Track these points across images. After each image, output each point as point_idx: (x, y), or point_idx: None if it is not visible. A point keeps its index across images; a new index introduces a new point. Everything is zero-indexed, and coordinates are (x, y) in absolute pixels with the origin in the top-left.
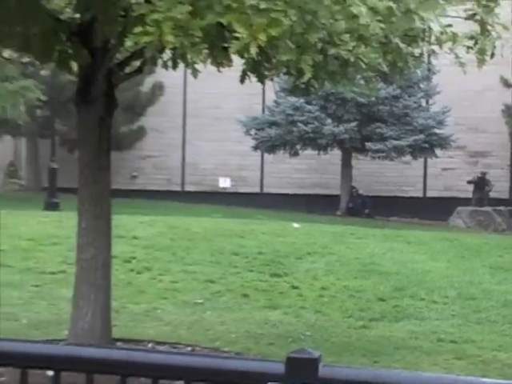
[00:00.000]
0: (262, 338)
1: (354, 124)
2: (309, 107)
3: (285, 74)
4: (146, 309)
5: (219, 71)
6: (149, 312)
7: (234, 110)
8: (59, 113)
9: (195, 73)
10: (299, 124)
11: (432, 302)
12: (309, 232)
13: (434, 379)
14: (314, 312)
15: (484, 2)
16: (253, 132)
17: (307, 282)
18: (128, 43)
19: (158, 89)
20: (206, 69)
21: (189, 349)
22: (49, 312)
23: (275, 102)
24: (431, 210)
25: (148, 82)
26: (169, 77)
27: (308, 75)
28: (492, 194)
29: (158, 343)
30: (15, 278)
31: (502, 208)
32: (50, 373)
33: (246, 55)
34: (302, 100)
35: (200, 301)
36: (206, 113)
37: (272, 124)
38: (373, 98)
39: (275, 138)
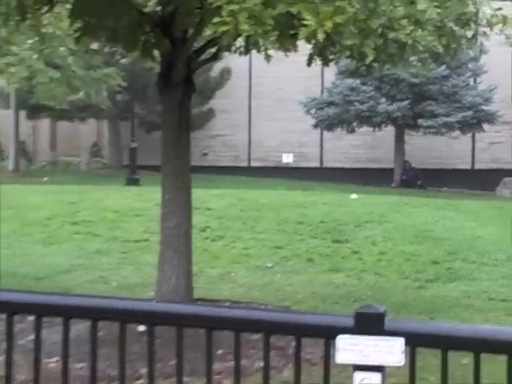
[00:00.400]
0: (327, 298)
1: (406, 102)
2: (364, 88)
3: (348, 57)
4: (221, 272)
5: (286, 56)
6: (224, 275)
7: (295, 91)
8: (138, 97)
9: (268, 58)
10: (355, 103)
11: (482, 265)
12: (366, 202)
13: (490, 331)
14: (373, 274)
15: None
16: (313, 111)
17: (366, 247)
18: (207, 32)
19: (226, 74)
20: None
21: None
22: (135, 276)
23: (333, 83)
24: (479, 181)
25: (217, 68)
26: (235, 62)
27: (370, 58)
28: None
29: (234, 303)
30: (104, 246)
31: None
32: (141, 328)
33: (313, 41)
34: (358, 81)
35: (270, 265)
36: (269, 95)
37: (330, 104)
38: (424, 78)
39: (333, 116)
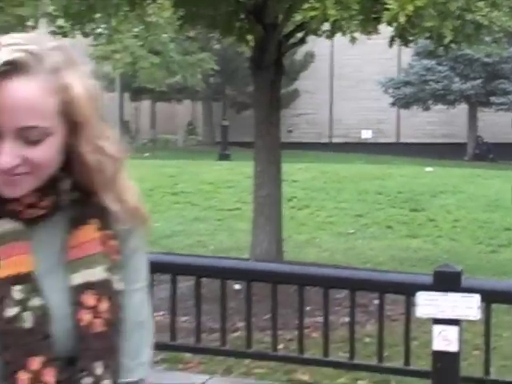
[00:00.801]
0: (406, 261)
1: (479, 81)
2: (439, 68)
3: (426, 38)
4: (307, 238)
5: (368, 39)
6: (309, 241)
7: (374, 72)
8: (229, 80)
9: (353, 40)
10: (431, 82)
11: None
12: (440, 174)
13: None
14: (448, 240)
15: None
16: (390, 91)
17: (441, 215)
18: (296, 18)
19: (310, 57)
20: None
21: None
22: (230, 240)
23: (409, 64)
24: None
25: (301, 52)
26: (318, 46)
27: (448, 39)
28: None
29: (319, 265)
30: (201, 214)
31: None
32: (237, 286)
33: (394, 24)
34: (433, 62)
35: (351, 231)
36: (349, 76)
37: (407, 83)
38: (497, 58)
39: (409, 95)
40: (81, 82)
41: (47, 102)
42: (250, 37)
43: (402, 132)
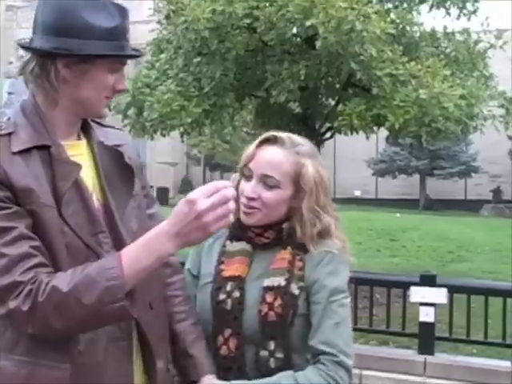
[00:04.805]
0: (391, 271)
1: (426, 160)
2: (402, 152)
3: (409, 137)
4: None
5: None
6: None
7: (361, 154)
8: None
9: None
10: (397, 161)
11: (475, 253)
12: (406, 218)
13: None
14: (415, 259)
15: None
16: (372, 166)
17: (409, 243)
18: (333, 124)
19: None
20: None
21: None
22: None
23: (383, 149)
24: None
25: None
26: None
27: (424, 137)
28: None
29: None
30: None
31: None
32: None
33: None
34: (398, 148)
35: (354, 253)
36: (346, 155)
37: (382, 161)
38: (438, 146)
39: (384, 169)
40: (313, 166)
41: (286, 167)
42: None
43: (380, 191)
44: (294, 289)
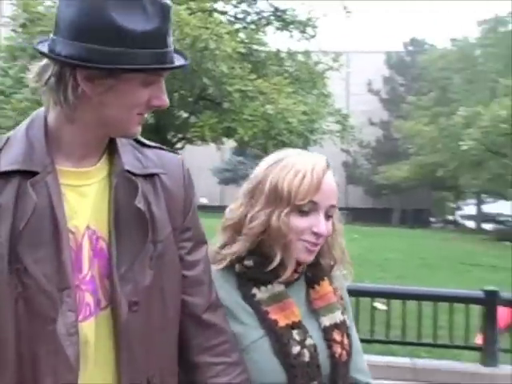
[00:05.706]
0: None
1: None
2: (245, 161)
3: (257, 149)
4: None
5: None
6: None
7: (207, 163)
8: None
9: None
10: (242, 169)
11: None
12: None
13: None
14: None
15: None
16: (217, 174)
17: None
18: (186, 135)
19: None
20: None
21: None
22: None
23: (229, 159)
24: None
25: None
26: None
27: (270, 149)
28: None
29: None
30: None
31: None
32: None
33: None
34: (242, 157)
35: None
36: (196, 166)
37: (227, 170)
38: None
39: (228, 177)
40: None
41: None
42: None
43: (226, 199)
44: (347, 320)
